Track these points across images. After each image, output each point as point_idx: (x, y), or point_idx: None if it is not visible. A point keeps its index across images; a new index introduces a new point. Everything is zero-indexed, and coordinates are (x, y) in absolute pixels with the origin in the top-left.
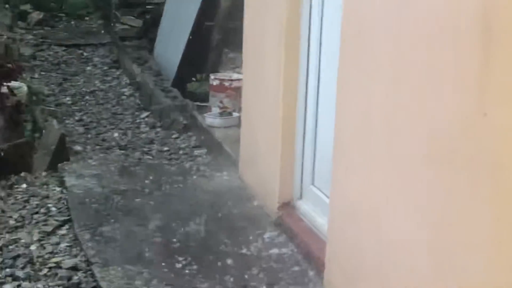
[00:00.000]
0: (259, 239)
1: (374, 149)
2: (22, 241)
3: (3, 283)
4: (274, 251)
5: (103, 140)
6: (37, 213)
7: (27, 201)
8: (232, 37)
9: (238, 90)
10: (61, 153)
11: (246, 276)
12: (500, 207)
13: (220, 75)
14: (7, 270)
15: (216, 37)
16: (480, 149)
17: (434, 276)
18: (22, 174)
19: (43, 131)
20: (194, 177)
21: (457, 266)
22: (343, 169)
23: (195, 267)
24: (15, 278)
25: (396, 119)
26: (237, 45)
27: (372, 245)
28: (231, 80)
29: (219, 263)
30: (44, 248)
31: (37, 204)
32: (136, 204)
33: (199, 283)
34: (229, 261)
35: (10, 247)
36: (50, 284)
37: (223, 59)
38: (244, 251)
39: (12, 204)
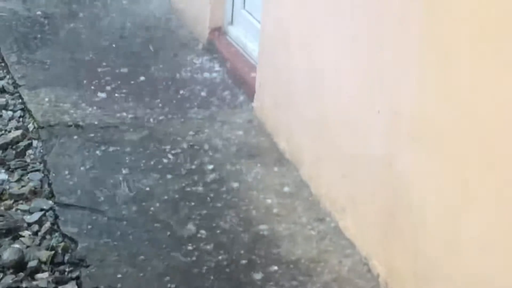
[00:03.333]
0: (189, 64)
1: None
2: None
3: None
4: (205, 75)
5: None
6: None
7: None
8: None
9: None
10: None
11: (176, 100)
12: (430, 26)
13: None
14: None
15: None
16: None
17: (365, 97)
18: None
19: None
20: (124, 1)
21: (387, 82)
22: None
23: (124, 91)
24: None
25: None
26: None
27: (303, 69)
28: None
29: (148, 88)
30: None
31: None
32: (65, 28)
33: (127, 104)
34: (160, 85)
35: None
36: None
37: None
38: (175, 75)
39: None
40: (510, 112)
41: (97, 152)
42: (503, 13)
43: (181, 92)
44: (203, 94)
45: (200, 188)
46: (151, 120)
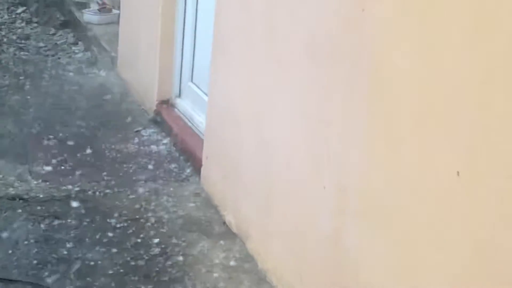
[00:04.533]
0: (136, 137)
1: (254, 46)
2: None
3: None
4: (152, 147)
5: None
6: None
7: None
8: None
9: None
10: None
11: (123, 172)
12: (376, 103)
13: None
14: None
15: None
16: (359, 43)
17: (312, 173)
18: None
19: None
20: (71, 73)
21: (334, 158)
22: (222, 67)
23: (70, 163)
24: None
25: (277, 14)
26: None
27: (251, 143)
28: None
29: (94, 160)
30: None
31: None
32: (12, 100)
33: (73, 177)
34: (106, 157)
35: None
36: None
37: None
38: (121, 147)
39: None
40: (456, 190)
41: (42, 225)
42: (449, 90)
43: (128, 164)
44: (150, 167)
45: (145, 262)
46: (97, 193)
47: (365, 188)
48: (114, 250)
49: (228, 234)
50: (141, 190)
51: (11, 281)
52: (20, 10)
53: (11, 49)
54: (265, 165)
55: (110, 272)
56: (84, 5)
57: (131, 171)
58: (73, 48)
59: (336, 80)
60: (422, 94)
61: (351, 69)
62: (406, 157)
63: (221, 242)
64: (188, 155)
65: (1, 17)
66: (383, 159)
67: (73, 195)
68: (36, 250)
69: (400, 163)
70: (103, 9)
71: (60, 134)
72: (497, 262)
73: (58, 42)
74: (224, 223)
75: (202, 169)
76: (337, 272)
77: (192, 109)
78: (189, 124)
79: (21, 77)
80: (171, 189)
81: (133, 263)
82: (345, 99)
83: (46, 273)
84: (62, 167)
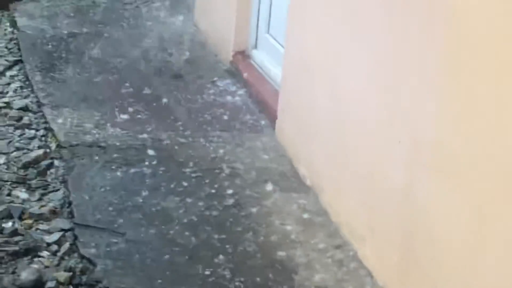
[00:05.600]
0: (212, 87)
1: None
2: None
3: None
4: (228, 98)
5: None
6: None
7: None
8: None
9: None
10: None
11: (198, 122)
12: (452, 54)
13: None
14: None
15: None
16: None
17: (386, 127)
18: None
19: None
20: (149, 22)
21: (408, 111)
22: (298, 18)
23: (146, 112)
24: None
25: None
26: None
27: (326, 95)
28: None
29: (170, 110)
30: None
31: None
32: (90, 48)
33: (149, 126)
34: (181, 108)
35: None
36: (1, 124)
37: None
38: (197, 97)
39: None
40: None
41: (118, 173)
42: None
43: (204, 115)
44: (225, 117)
45: (219, 212)
46: (172, 142)
47: (440, 141)
48: (189, 199)
49: (302, 186)
50: (215, 140)
51: (87, 226)
52: None
53: None
54: (339, 118)
55: (185, 221)
56: None
57: (206, 121)
58: None
59: (412, 30)
60: (501, 45)
61: (427, 18)
62: (482, 111)
63: (295, 195)
64: (263, 106)
65: None
66: (458, 112)
67: (148, 144)
68: (112, 197)
69: (476, 117)
70: None
71: (136, 83)
72: None
73: None
74: (298, 175)
75: (277, 121)
76: (409, 225)
77: (268, 61)
78: (265, 75)
79: (99, 25)
80: (246, 140)
81: (207, 213)
82: (420, 51)
83: (121, 220)
84: (138, 116)
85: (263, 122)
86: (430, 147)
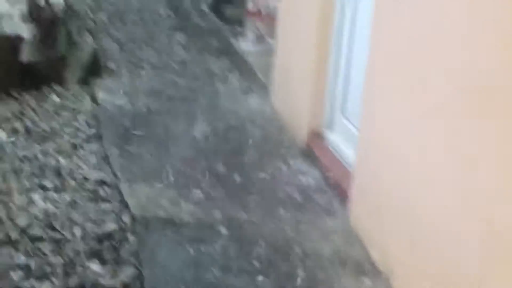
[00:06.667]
0: (285, 166)
1: (407, 81)
2: (51, 152)
3: (31, 190)
4: (301, 178)
5: (137, 58)
6: (67, 126)
7: (58, 113)
8: None
9: (274, 16)
10: (94, 69)
11: (270, 201)
12: None
13: (258, 1)
14: (36, 179)
15: None
16: None
17: (462, 213)
18: (54, 86)
19: (78, 46)
20: (226, 102)
21: (484, 200)
22: (374, 101)
23: (220, 190)
24: (42, 187)
25: (433, 49)
26: None
27: (400, 181)
28: (268, 6)
29: (242, 187)
30: (73, 160)
31: (67, 117)
32: (165, 123)
33: (221, 203)
34: (254, 185)
35: (40, 156)
36: (76, 195)
37: None
38: (270, 176)
39: (43, 115)
40: None
41: (190, 250)
42: None
43: (276, 193)
44: (298, 197)
45: None
46: (245, 220)
47: None
48: (260, 278)
49: (374, 271)
50: (287, 220)
51: None
52: (179, 36)
53: (168, 74)
54: (410, 204)
55: None
56: (241, 34)
57: (279, 201)
58: (228, 75)
59: (490, 116)
60: None
61: (505, 105)
62: None
63: (366, 279)
64: (336, 188)
65: (161, 42)
66: None
67: (220, 221)
68: (184, 274)
69: None
70: (258, 38)
71: (211, 160)
72: None
73: (214, 69)
74: (370, 259)
75: (350, 203)
76: None
77: (342, 143)
78: (339, 157)
79: (176, 101)
80: (318, 221)
81: None
82: (498, 136)
83: None
84: (212, 193)
85: (335, 204)
86: (508, 236)
